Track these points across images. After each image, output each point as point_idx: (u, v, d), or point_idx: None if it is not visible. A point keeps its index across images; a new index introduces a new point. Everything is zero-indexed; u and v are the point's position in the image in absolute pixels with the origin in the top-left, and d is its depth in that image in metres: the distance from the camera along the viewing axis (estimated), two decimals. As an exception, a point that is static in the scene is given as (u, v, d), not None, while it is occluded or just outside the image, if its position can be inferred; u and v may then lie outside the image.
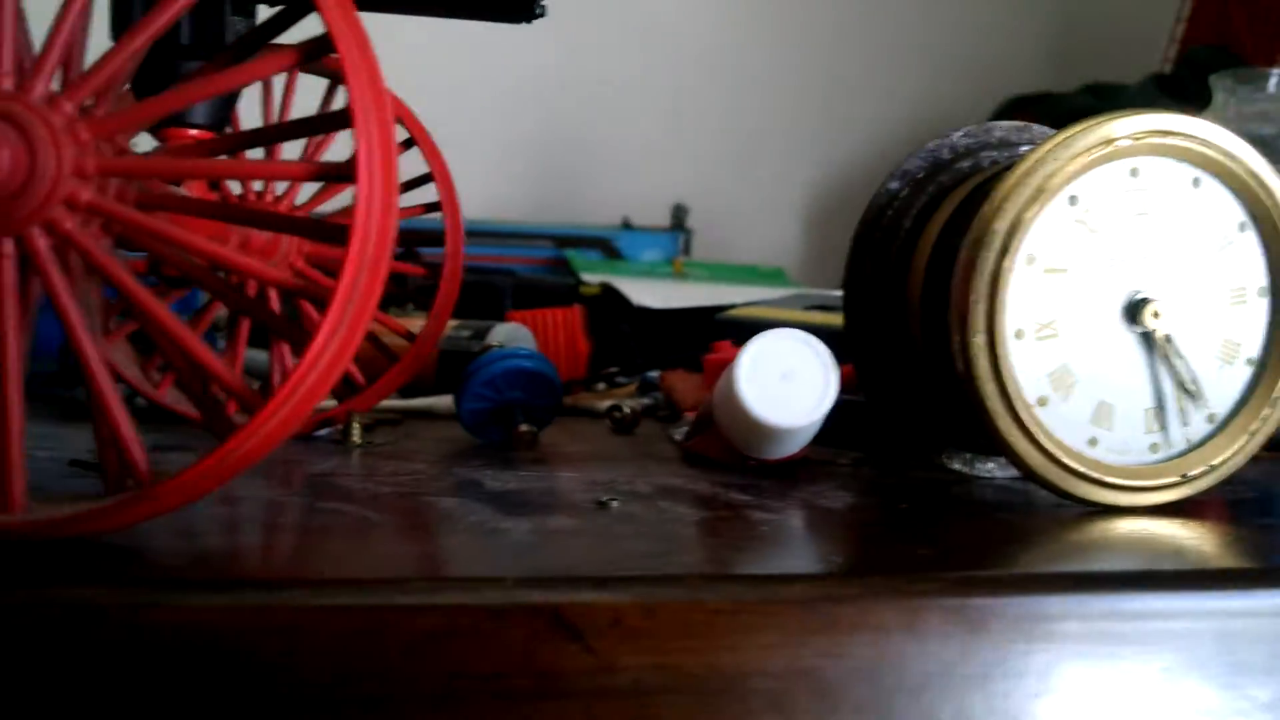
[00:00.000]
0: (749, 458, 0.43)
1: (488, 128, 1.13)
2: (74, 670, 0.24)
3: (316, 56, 0.27)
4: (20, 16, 0.28)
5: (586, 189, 1.17)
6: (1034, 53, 1.34)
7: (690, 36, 1.22)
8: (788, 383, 0.39)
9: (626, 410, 0.58)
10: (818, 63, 1.27)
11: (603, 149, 1.18)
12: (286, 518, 0.33)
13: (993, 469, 0.46)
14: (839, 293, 0.78)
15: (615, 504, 0.36)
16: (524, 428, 0.49)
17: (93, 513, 0.26)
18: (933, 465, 0.47)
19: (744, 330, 0.64)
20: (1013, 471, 0.46)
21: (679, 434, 0.53)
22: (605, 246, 1.05)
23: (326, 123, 0.28)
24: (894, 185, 0.45)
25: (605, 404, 0.63)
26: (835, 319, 0.63)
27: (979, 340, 0.37)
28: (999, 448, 0.38)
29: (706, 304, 0.77)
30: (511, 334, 0.65)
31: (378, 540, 0.30)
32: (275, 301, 0.50)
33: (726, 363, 0.55)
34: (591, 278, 0.91)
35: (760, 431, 0.40)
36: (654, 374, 0.70)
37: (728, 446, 0.43)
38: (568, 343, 0.71)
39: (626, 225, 1.09)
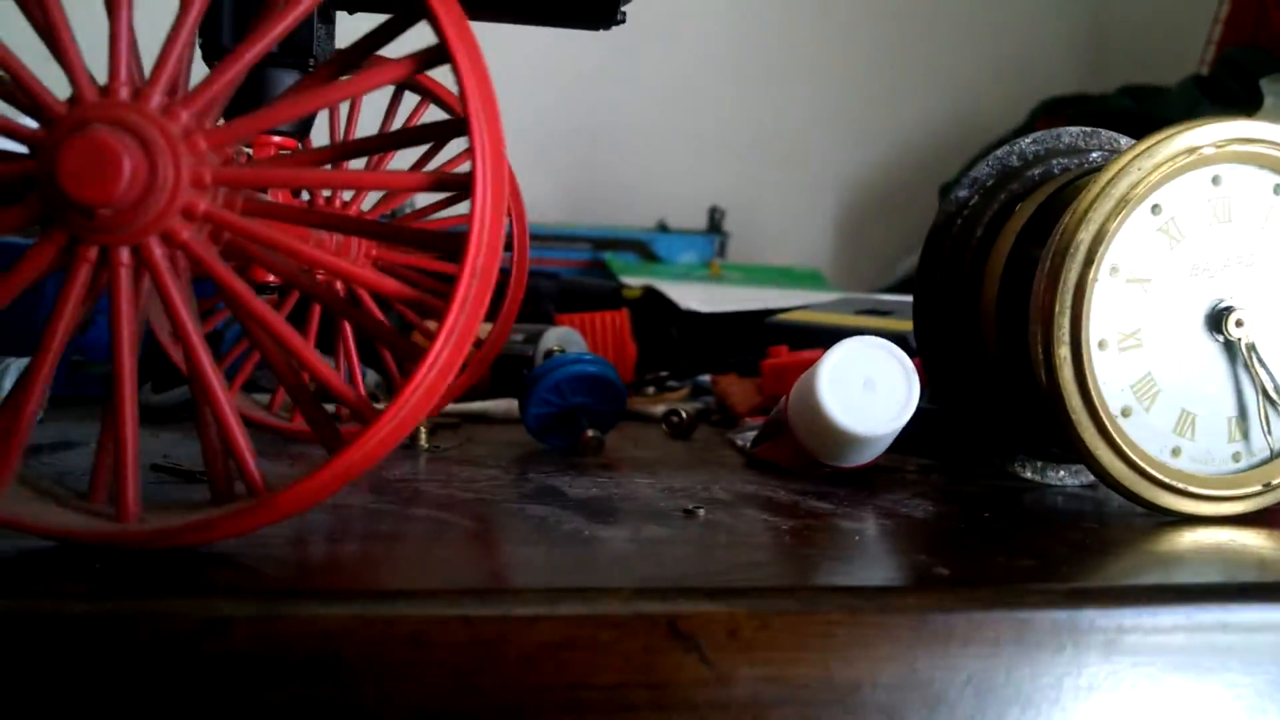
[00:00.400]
0: (823, 465, 0.43)
1: (524, 130, 1.13)
2: (201, 681, 0.24)
3: (431, 66, 0.27)
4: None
5: (622, 191, 1.17)
6: (1068, 55, 1.33)
7: (726, 40, 1.22)
8: (869, 390, 0.39)
9: (684, 415, 0.58)
10: (852, 67, 1.27)
11: (639, 151, 1.18)
12: (383, 525, 0.33)
13: (1063, 477, 0.46)
14: (888, 296, 0.78)
15: (702, 512, 0.36)
16: (590, 433, 0.49)
17: (209, 522, 0.26)
18: (1000, 472, 0.47)
19: (797, 335, 0.64)
20: (1083, 479, 0.46)
21: (741, 439, 0.53)
22: (642, 249, 1.05)
23: (437, 132, 0.28)
24: (963, 193, 0.45)
25: (660, 408, 0.63)
26: (888, 323, 0.63)
27: (1063, 352, 0.37)
28: (1082, 458, 0.38)
29: (753, 308, 0.77)
30: (564, 338, 0.65)
31: (481, 548, 0.31)
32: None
33: (785, 367, 0.55)
34: (631, 280, 0.91)
35: (841, 439, 0.40)
36: (705, 378, 0.70)
37: (800, 453, 0.43)
38: (616, 346, 0.71)
39: (662, 228, 1.09)
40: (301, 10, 0.26)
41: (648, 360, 0.77)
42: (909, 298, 0.77)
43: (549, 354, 0.56)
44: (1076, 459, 0.44)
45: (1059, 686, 0.27)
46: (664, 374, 0.70)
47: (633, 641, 0.26)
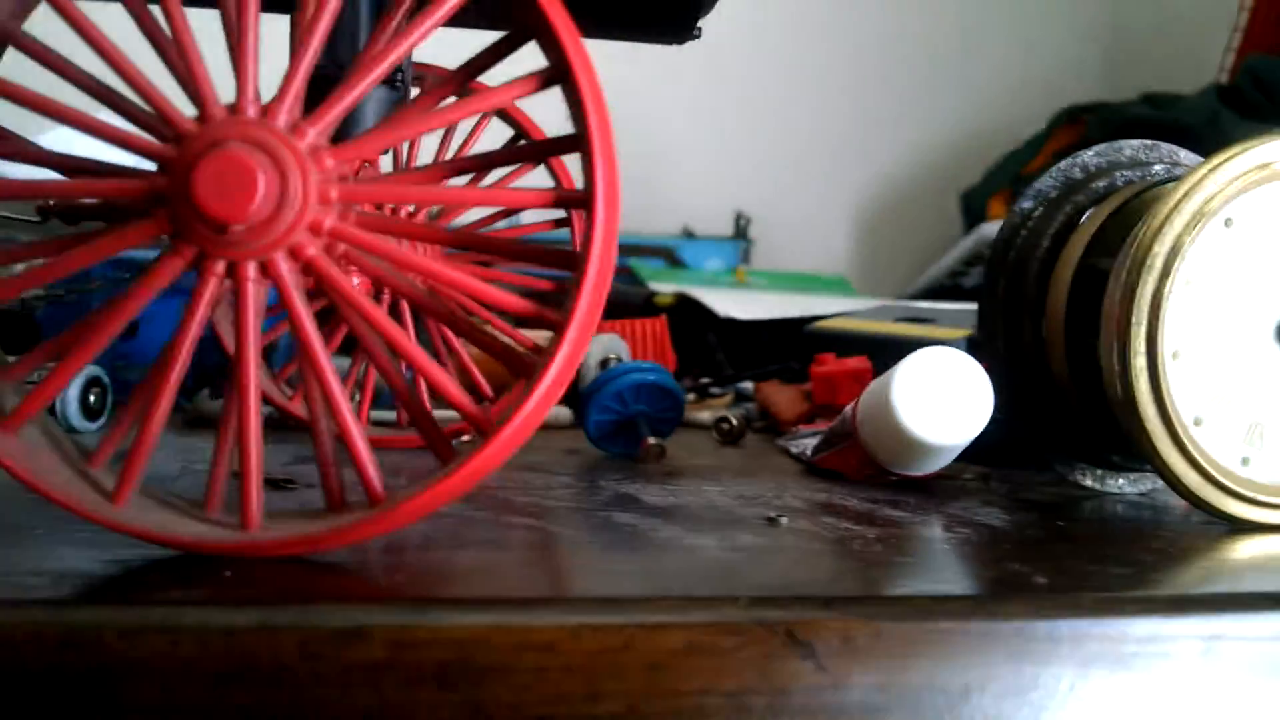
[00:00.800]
0: (888, 473, 0.44)
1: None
2: (341, 689, 0.24)
3: (551, 85, 0.27)
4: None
5: (647, 197, 1.18)
6: (1086, 63, 1.34)
7: (749, 49, 1.22)
8: (943, 399, 0.40)
9: (734, 422, 0.59)
10: (872, 75, 1.28)
11: (663, 158, 1.18)
12: (483, 533, 0.33)
13: (1122, 485, 0.46)
14: (925, 304, 0.79)
15: (785, 520, 0.36)
16: (652, 441, 0.49)
17: (337, 531, 0.27)
18: (1057, 480, 0.47)
19: (840, 343, 0.65)
20: (1141, 487, 0.47)
21: (794, 447, 0.54)
22: (668, 255, 1.06)
23: (549, 149, 0.29)
24: (1026, 204, 0.46)
25: (706, 415, 0.63)
26: (930, 330, 0.64)
27: (1139, 362, 0.37)
28: (1155, 467, 0.38)
29: (790, 315, 0.78)
30: (611, 345, 0.65)
31: (589, 556, 0.31)
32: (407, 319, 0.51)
33: (836, 375, 0.56)
34: (660, 287, 0.91)
35: (915, 448, 0.40)
36: (747, 385, 0.70)
37: (865, 462, 0.44)
38: (656, 353, 0.71)
39: (688, 234, 1.09)
40: (428, 28, 0.27)
41: (684, 367, 0.77)
42: (948, 305, 0.78)
43: (605, 363, 0.57)
44: (1141, 467, 0.45)
45: (1160, 692, 0.28)
46: (705, 381, 0.71)
47: (753, 649, 0.26)
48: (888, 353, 0.61)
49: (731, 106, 1.22)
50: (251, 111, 0.27)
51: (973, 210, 1.19)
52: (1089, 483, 0.46)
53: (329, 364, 0.27)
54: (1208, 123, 1.15)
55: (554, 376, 0.27)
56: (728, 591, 0.28)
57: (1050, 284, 0.44)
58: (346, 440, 0.28)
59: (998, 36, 1.33)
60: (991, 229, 0.97)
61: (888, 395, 0.40)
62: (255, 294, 0.27)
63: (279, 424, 0.53)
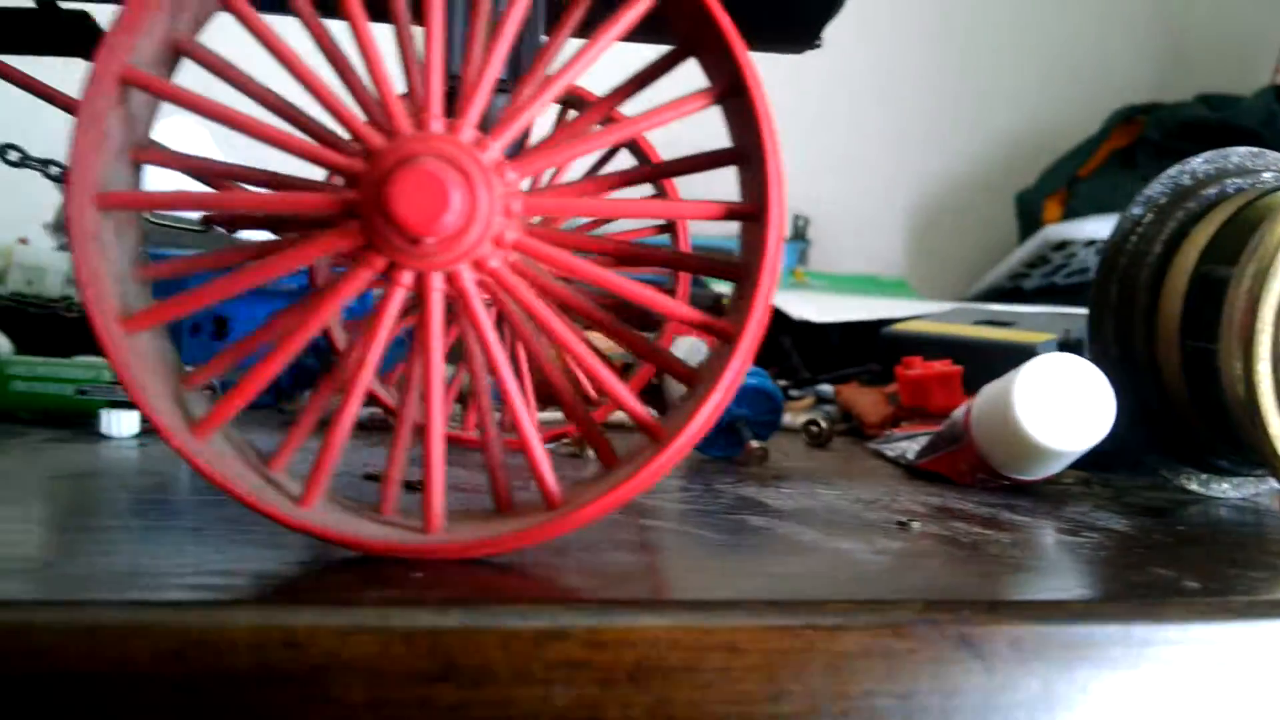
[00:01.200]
0: (998, 478, 0.44)
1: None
2: (541, 687, 0.25)
3: (729, 97, 0.28)
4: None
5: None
6: (1141, 63, 1.34)
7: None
8: (1065, 405, 0.40)
9: (823, 425, 0.59)
10: (926, 76, 1.28)
11: (721, 160, 1.19)
12: (628, 536, 0.34)
13: (1226, 489, 0.47)
14: (1001, 306, 0.79)
15: (916, 525, 0.37)
16: (755, 444, 0.50)
17: (517, 533, 0.28)
18: (1155, 483, 0.48)
19: (922, 346, 0.65)
20: (1244, 492, 0.47)
21: (890, 450, 0.54)
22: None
23: (719, 160, 0.29)
24: (1137, 210, 0.46)
25: (789, 418, 0.64)
26: (1013, 334, 0.64)
27: (1263, 368, 0.38)
28: (1276, 471, 0.39)
29: (865, 317, 0.78)
30: (693, 349, 0.66)
31: (744, 559, 0.32)
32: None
33: (925, 379, 0.57)
34: (724, 289, 0.92)
35: (1036, 453, 0.41)
36: (827, 387, 0.71)
37: (977, 465, 0.45)
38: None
39: (747, 236, 1.10)
40: (606, 42, 0.28)
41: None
42: (1025, 308, 0.78)
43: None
44: (1248, 471, 0.46)
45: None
46: (784, 383, 0.71)
47: (925, 652, 0.27)
48: (973, 357, 0.62)
49: (788, 110, 1.22)
50: (437, 127, 0.28)
51: (1028, 212, 1.20)
52: (1194, 487, 0.47)
53: (510, 373, 0.28)
54: (1265, 124, 1.15)
55: (727, 385, 0.28)
56: (891, 595, 0.28)
57: (1163, 290, 0.44)
58: (525, 446, 0.29)
59: (1051, 37, 1.33)
60: (1055, 232, 0.98)
61: (1009, 401, 0.40)
62: (440, 305, 0.28)
63: (362, 424, 0.54)
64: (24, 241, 0.92)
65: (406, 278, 0.28)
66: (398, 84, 0.29)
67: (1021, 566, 0.33)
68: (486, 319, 0.28)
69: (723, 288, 0.94)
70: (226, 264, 0.29)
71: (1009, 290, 1.03)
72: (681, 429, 0.28)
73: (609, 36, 0.28)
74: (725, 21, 0.28)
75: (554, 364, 0.30)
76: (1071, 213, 1.16)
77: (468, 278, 0.28)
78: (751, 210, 0.28)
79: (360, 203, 0.27)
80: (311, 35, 0.29)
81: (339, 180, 0.28)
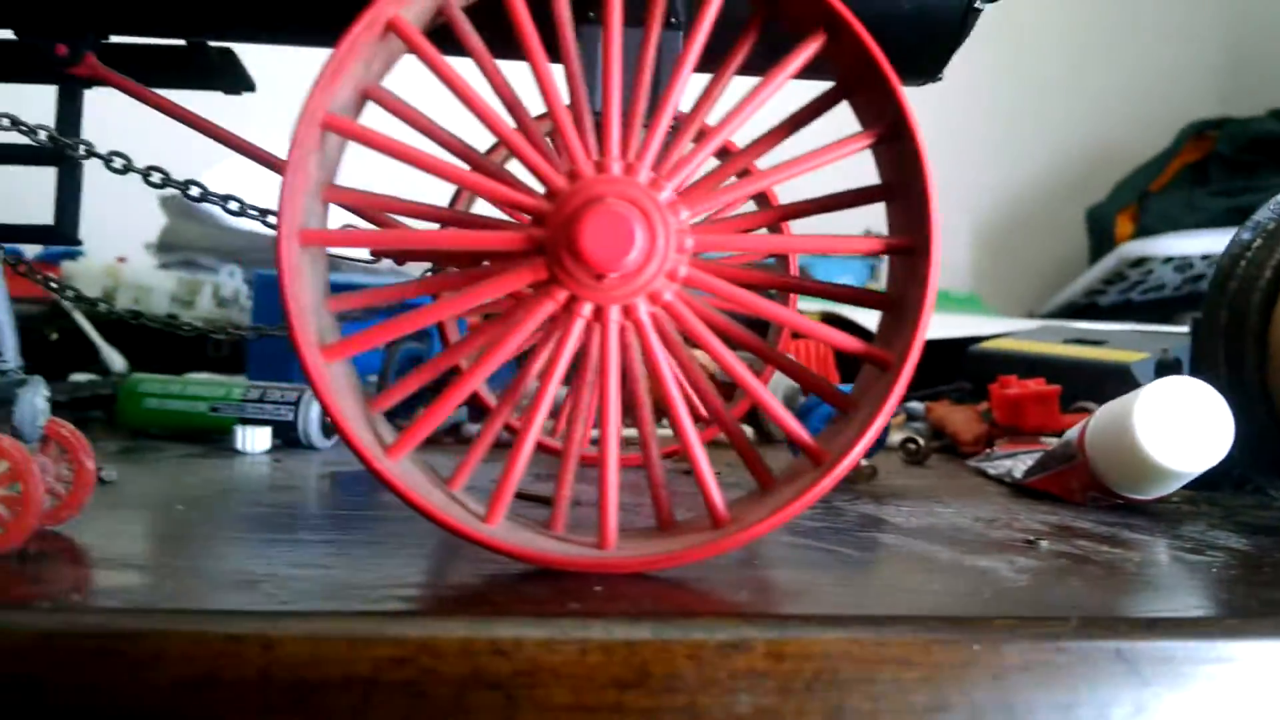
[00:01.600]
0: (1110, 497, 0.45)
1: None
2: (723, 694, 0.27)
3: (892, 139, 0.30)
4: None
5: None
6: (1208, 77, 1.34)
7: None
8: (1184, 427, 0.41)
9: (920, 442, 0.61)
10: (993, 90, 1.29)
11: (795, 178, 1.20)
12: (779, 553, 0.36)
13: (1334, 508, 0.48)
14: (1089, 325, 0.80)
15: (1044, 544, 0.38)
16: (864, 463, 0.51)
17: (689, 549, 0.30)
18: (1258, 502, 0.49)
19: (1011, 364, 0.66)
20: (1354, 511, 0.48)
21: (992, 468, 0.55)
22: (800, 272, 1.08)
23: (870, 196, 0.31)
24: (1245, 236, 0.47)
25: (893, 436, 0.65)
26: (1105, 353, 0.65)
27: (1382, 391, 0.39)
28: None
29: (949, 335, 0.79)
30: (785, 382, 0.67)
31: (892, 575, 0.33)
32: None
33: (1023, 399, 0.58)
34: (801, 304, 0.93)
35: (1155, 474, 0.42)
36: (917, 405, 0.72)
37: (1090, 484, 0.46)
38: (821, 372, 0.73)
39: (820, 252, 1.11)
40: (779, 84, 0.29)
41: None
42: (1115, 326, 0.79)
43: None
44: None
45: None
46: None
47: (1082, 665, 0.28)
48: (1066, 375, 0.63)
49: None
50: (617, 169, 0.30)
51: (1099, 227, 1.20)
52: (1302, 506, 0.48)
53: (680, 400, 0.30)
54: (1339, 139, 1.15)
55: (888, 411, 0.30)
56: (1046, 612, 0.30)
57: (1274, 314, 0.45)
58: (694, 467, 0.30)
59: (1118, 51, 1.34)
60: (1133, 248, 0.98)
61: (1130, 422, 0.42)
62: (617, 335, 0.30)
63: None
64: (122, 260, 0.96)
65: (586, 309, 0.30)
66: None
67: (1157, 584, 0.34)
68: (662, 349, 0.30)
69: (800, 304, 0.95)
70: (410, 296, 0.31)
71: (1084, 306, 1.03)
72: (846, 452, 0.29)
73: (779, 80, 0.30)
74: (888, 66, 0.29)
75: (711, 390, 0.32)
76: (1144, 228, 1.16)
77: (643, 310, 0.30)
78: (908, 244, 0.30)
79: (546, 240, 0.29)
80: (489, 81, 0.31)
81: (523, 218, 0.30)
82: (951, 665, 0.28)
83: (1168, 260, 0.98)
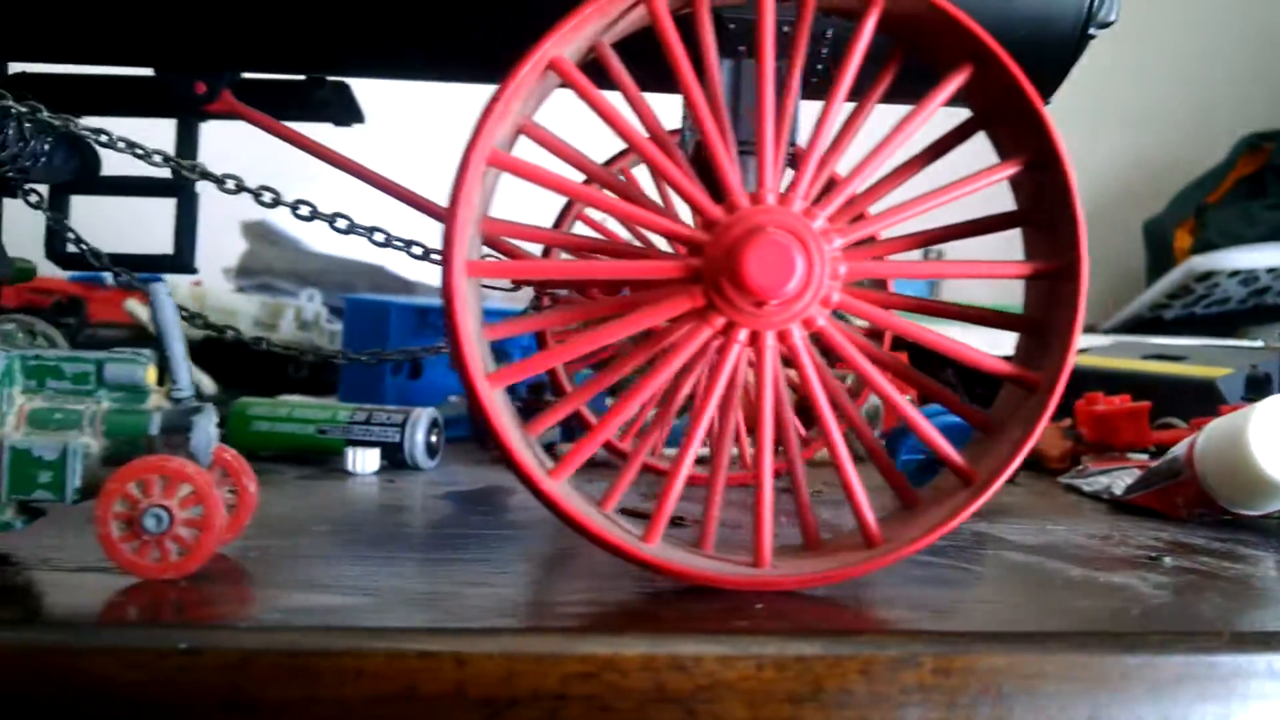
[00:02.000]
0: (1217, 512, 0.46)
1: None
2: (891, 709, 0.27)
3: (1038, 167, 0.31)
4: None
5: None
6: (1264, 90, 1.34)
7: (929, 84, 1.25)
8: (1301, 444, 0.42)
9: (1010, 459, 0.61)
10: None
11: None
12: (913, 571, 0.36)
13: None
14: (1167, 340, 0.80)
15: (1168, 560, 0.39)
16: (964, 479, 0.52)
17: (845, 569, 0.30)
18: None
19: (1094, 380, 0.67)
20: None
21: (1086, 485, 0.56)
22: (863, 290, 1.09)
23: (1010, 221, 0.32)
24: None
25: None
26: (1186, 369, 0.66)
27: None
28: None
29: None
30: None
31: (1042, 594, 0.34)
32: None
33: (1112, 416, 0.58)
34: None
35: (1268, 489, 0.42)
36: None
37: (1197, 500, 0.46)
38: (899, 390, 0.74)
39: (881, 269, 1.12)
40: (928, 114, 0.30)
41: (922, 402, 0.79)
42: (1194, 341, 0.79)
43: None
44: None
45: None
46: (953, 417, 0.73)
47: (1237, 677, 0.29)
48: (1150, 391, 0.64)
49: (916, 143, 1.25)
50: (771, 199, 0.31)
51: (1157, 241, 1.20)
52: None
53: (834, 421, 0.31)
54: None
55: (1040, 431, 0.30)
56: (1193, 626, 0.30)
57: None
58: (846, 488, 0.31)
59: (1174, 65, 1.34)
60: (1200, 263, 0.98)
61: (1244, 438, 0.42)
62: (774, 359, 0.31)
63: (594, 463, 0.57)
64: (198, 284, 0.98)
65: (742, 335, 0.31)
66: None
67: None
68: (816, 370, 0.31)
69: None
70: (564, 324, 0.32)
71: (1149, 320, 1.03)
72: (999, 472, 0.30)
73: (928, 111, 0.31)
74: (1037, 98, 0.30)
75: (856, 411, 0.33)
76: (1203, 241, 1.16)
77: (798, 335, 0.31)
78: (1056, 268, 0.31)
79: (705, 268, 0.30)
80: (638, 115, 0.32)
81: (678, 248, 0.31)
82: (1110, 679, 0.28)
83: (1234, 274, 0.98)
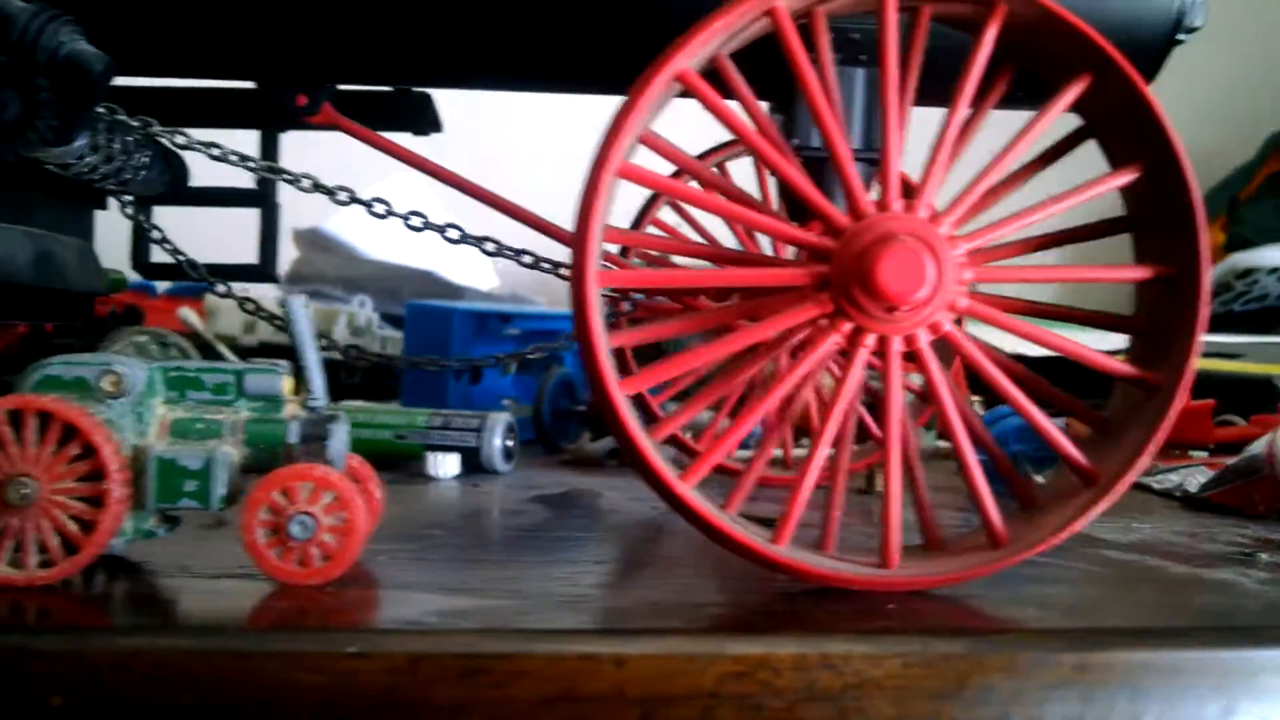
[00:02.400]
0: (1297, 508, 0.47)
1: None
2: (1031, 708, 0.28)
3: (1152, 175, 0.31)
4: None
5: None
6: (1294, 88, 1.34)
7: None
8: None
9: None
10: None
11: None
12: (1024, 570, 0.37)
13: None
14: (1217, 337, 0.81)
15: (1263, 556, 0.40)
16: (1039, 479, 0.53)
17: (975, 568, 0.31)
18: None
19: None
20: None
21: (1157, 483, 0.57)
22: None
23: (1124, 225, 0.33)
24: None
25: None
26: (1243, 366, 0.66)
27: None
28: None
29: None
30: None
31: (1153, 593, 0.35)
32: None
33: (1194, 413, 0.59)
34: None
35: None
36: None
37: (1270, 497, 0.47)
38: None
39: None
40: (1047, 120, 0.31)
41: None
42: (1247, 339, 0.80)
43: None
44: None
45: None
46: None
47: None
48: (1207, 389, 0.64)
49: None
50: (897, 207, 0.31)
51: (1191, 239, 1.20)
52: None
53: (961, 425, 0.32)
54: None
55: (1164, 433, 0.31)
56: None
57: None
58: (972, 488, 0.32)
59: (1200, 64, 1.34)
60: (1241, 260, 0.99)
61: (1332, 437, 0.43)
62: (899, 364, 0.31)
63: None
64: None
65: (870, 340, 0.31)
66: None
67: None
68: (942, 375, 0.32)
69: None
70: (694, 331, 0.33)
71: (1187, 318, 1.04)
72: (1123, 472, 0.31)
73: (1048, 118, 0.31)
74: (1158, 106, 0.31)
75: (974, 415, 0.33)
76: (1236, 237, 1.17)
77: (924, 340, 0.31)
78: (1174, 272, 0.31)
79: (833, 275, 0.31)
80: (757, 125, 0.33)
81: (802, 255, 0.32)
82: (1240, 674, 0.29)
83: (1273, 270, 0.98)
